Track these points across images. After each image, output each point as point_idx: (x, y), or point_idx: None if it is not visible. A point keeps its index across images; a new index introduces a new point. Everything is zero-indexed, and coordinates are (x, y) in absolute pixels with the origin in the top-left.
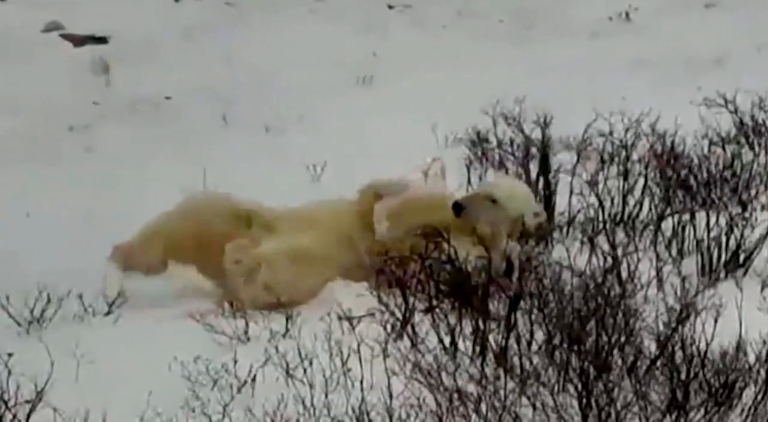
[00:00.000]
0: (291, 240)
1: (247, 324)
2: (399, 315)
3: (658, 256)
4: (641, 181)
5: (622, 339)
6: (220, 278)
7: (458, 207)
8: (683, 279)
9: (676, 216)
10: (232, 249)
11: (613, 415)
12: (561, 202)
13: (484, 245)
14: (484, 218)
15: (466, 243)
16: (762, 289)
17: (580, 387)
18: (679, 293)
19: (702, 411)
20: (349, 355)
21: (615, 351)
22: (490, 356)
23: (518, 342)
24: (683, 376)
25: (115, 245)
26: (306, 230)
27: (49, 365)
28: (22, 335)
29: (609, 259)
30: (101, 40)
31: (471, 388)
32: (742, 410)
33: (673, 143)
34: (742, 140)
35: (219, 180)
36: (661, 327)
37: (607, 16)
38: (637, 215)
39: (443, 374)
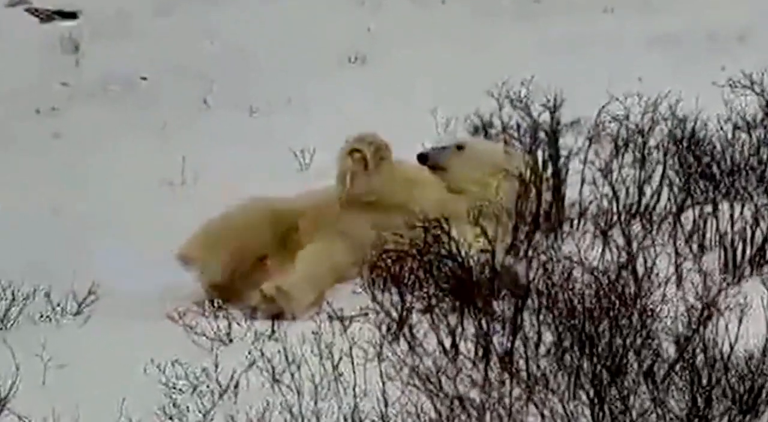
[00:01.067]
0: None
1: (229, 325)
2: (395, 315)
3: (677, 251)
4: (659, 169)
5: (638, 341)
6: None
7: (423, 157)
8: (705, 276)
9: (697, 208)
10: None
11: None
12: (572, 192)
13: (487, 238)
14: (453, 165)
15: (468, 235)
16: None
17: (592, 393)
18: (700, 291)
19: (725, 419)
20: (340, 359)
21: (630, 355)
22: (494, 359)
23: (525, 345)
24: (705, 382)
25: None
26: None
27: (14, 369)
28: None
29: (624, 254)
30: (70, 15)
31: (473, 395)
32: None
33: (693, 127)
34: None
35: (199, 168)
36: (681, 328)
37: None
38: (655, 207)
39: (443, 379)
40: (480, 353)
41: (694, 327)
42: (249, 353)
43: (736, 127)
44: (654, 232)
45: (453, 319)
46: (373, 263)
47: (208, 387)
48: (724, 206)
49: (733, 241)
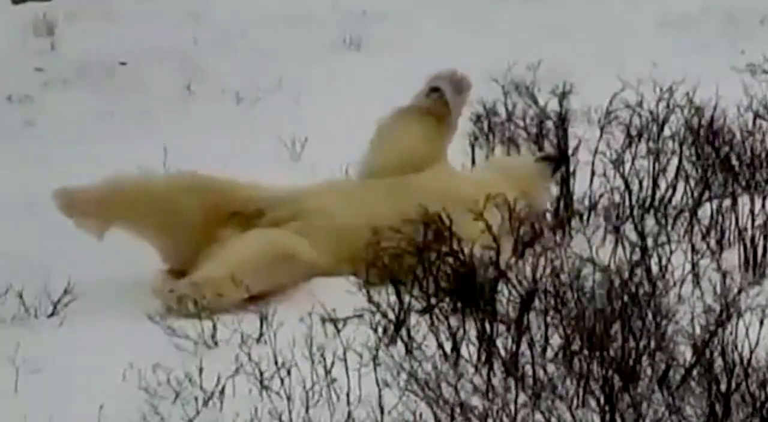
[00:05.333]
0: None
1: (214, 327)
2: (392, 316)
3: (694, 248)
4: (675, 160)
5: (653, 344)
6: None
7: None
8: (723, 275)
9: (716, 201)
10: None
11: None
12: (581, 185)
13: (491, 234)
14: None
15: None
16: None
17: (603, 400)
18: (718, 291)
19: None
20: (333, 363)
21: (644, 359)
22: (498, 364)
23: (531, 348)
24: (723, 388)
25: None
26: None
27: None
28: None
29: (637, 251)
30: None
31: (476, 401)
32: None
33: (711, 116)
34: None
35: (182, 158)
36: (698, 331)
37: None
38: (670, 200)
39: (443, 385)
40: (483, 357)
41: (712, 329)
42: (235, 357)
43: (757, 115)
44: (669, 227)
45: (454, 320)
46: (369, 260)
47: (191, 393)
48: (744, 200)
49: (753, 237)
